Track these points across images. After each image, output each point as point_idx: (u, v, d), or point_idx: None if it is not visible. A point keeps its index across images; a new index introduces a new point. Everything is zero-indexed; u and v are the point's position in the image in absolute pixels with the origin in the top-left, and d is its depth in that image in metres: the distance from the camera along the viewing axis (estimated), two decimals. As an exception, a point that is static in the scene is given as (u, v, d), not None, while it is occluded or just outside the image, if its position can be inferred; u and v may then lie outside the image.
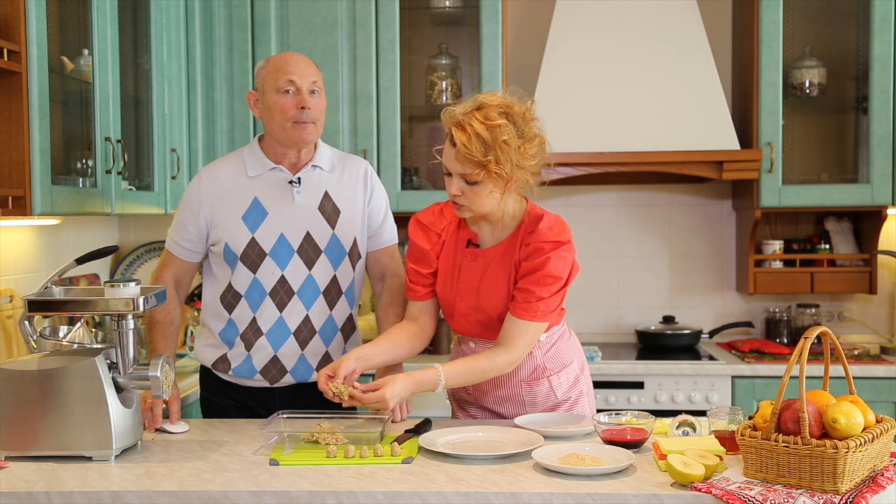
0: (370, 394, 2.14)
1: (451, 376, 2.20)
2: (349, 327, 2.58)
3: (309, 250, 2.47)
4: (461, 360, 2.26)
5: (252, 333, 2.48)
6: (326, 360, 2.54)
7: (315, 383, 2.48)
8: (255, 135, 3.66)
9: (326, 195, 2.51)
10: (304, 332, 2.50)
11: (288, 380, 2.52)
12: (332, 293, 2.52)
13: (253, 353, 2.50)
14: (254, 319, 2.48)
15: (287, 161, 2.50)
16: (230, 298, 2.49)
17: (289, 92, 2.41)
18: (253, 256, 2.44)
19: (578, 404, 2.39)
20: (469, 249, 2.31)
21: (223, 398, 2.56)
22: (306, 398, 2.52)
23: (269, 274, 2.45)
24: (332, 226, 2.50)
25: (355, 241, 2.53)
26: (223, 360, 2.53)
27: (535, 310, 2.20)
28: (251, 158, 2.51)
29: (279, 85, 2.41)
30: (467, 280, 2.30)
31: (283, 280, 2.46)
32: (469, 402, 2.44)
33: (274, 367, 2.50)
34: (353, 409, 2.32)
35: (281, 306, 2.47)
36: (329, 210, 2.50)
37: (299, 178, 2.49)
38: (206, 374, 2.61)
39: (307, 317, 2.49)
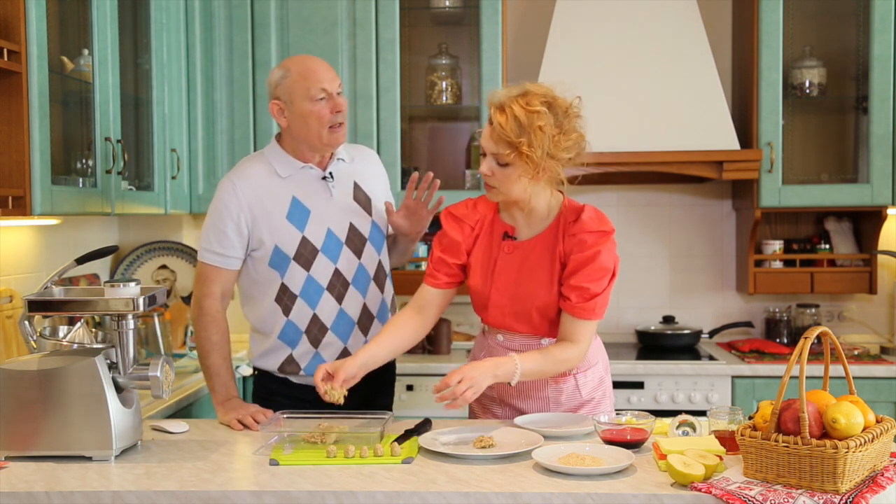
0: (458, 386, 2.11)
1: (527, 367, 2.19)
2: (394, 307, 2.68)
3: (356, 240, 2.53)
4: (535, 351, 2.26)
5: (318, 330, 2.51)
6: None
7: (379, 370, 2.53)
8: (254, 135, 3.67)
9: (356, 185, 2.59)
10: (364, 320, 2.56)
11: None
12: (380, 277, 2.60)
13: (321, 349, 2.53)
14: (315, 316, 2.51)
15: (314, 159, 2.54)
16: (286, 300, 2.50)
17: (322, 99, 2.43)
18: (306, 255, 2.47)
19: (601, 405, 2.41)
20: (506, 241, 2.33)
21: (285, 399, 2.54)
22: (371, 383, 2.56)
23: (323, 269, 2.49)
24: (370, 213, 2.58)
25: (386, 224, 2.64)
26: (290, 362, 2.54)
27: (594, 307, 2.24)
28: (277, 159, 2.52)
29: (312, 94, 2.42)
30: (504, 271, 2.32)
31: (337, 273, 2.51)
32: (492, 399, 2.45)
33: (344, 358, 2.52)
34: (345, 407, 2.34)
35: (339, 299, 2.52)
36: (362, 199, 2.58)
37: (331, 173, 2.54)
38: (262, 378, 2.61)
39: (364, 304, 2.55)
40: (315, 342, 2.52)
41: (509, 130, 2.14)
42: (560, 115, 2.17)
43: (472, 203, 2.40)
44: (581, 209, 2.28)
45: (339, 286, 2.51)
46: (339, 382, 2.19)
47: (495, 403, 2.45)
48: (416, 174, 2.54)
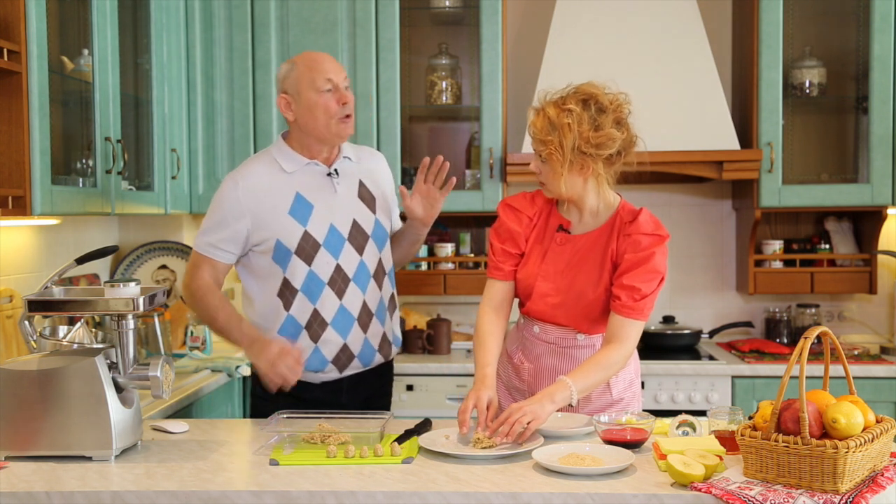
0: (522, 418, 2.06)
1: (580, 385, 2.17)
2: (392, 305, 2.67)
3: (358, 237, 2.54)
4: (582, 365, 2.24)
5: (318, 325, 2.52)
6: (385, 340, 2.62)
7: (376, 368, 2.62)
8: (254, 135, 3.67)
9: (361, 183, 2.60)
10: (364, 316, 2.56)
11: (355, 366, 2.57)
12: (380, 275, 2.60)
13: (321, 344, 2.53)
14: (315, 311, 2.51)
15: (321, 156, 2.55)
16: (287, 295, 2.50)
17: (329, 90, 2.46)
18: (308, 249, 2.48)
19: (630, 407, 2.42)
20: (559, 234, 2.36)
21: (283, 397, 2.53)
22: (370, 383, 2.60)
23: (324, 264, 2.50)
24: (373, 211, 2.59)
25: (391, 224, 2.66)
26: None
27: (642, 308, 2.26)
28: (283, 156, 2.53)
29: (318, 84, 2.46)
30: (552, 262, 2.35)
31: (338, 268, 2.51)
32: (522, 393, 2.45)
33: (343, 354, 2.55)
34: (346, 409, 2.34)
35: (340, 294, 2.52)
36: (367, 197, 2.60)
37: (336, 170, 2.55)
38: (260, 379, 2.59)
39: (364, 301, 2.56)
40: (315, 337, 2.52)
41: (539, 130, 2.25)
42: (595, 113, 2.22)
43: (529, 196, 2.43)
44: (638, 212, 2.33)
45: (339, 281, 2.52)
46: (488, 423, 2.14)
47: (525, 396, 2.44)
48: (426, 159, 2.57)
